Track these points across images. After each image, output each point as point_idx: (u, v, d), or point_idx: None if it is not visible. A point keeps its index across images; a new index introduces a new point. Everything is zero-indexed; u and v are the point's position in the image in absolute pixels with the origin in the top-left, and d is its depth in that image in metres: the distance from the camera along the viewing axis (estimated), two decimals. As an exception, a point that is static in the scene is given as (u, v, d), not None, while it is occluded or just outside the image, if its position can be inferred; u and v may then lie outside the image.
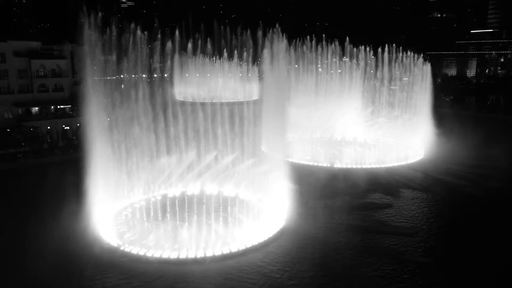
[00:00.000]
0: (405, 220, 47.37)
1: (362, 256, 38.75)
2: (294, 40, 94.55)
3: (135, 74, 52.62)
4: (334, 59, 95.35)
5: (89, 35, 44.76)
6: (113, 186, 45.51)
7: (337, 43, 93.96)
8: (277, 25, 75.47)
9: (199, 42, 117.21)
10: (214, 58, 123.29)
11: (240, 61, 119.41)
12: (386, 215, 48.66)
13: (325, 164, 68.25)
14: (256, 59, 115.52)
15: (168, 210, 43.90)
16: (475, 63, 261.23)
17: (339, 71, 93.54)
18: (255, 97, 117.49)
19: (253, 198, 49.53)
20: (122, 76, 52.44)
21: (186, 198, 49.28)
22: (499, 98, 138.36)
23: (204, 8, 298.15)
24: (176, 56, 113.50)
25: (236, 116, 55.57)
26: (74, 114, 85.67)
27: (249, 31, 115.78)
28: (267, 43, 64.04)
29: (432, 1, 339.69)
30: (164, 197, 49.39)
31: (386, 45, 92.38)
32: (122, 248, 39.07)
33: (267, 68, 56.78)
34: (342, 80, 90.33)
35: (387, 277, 35.29)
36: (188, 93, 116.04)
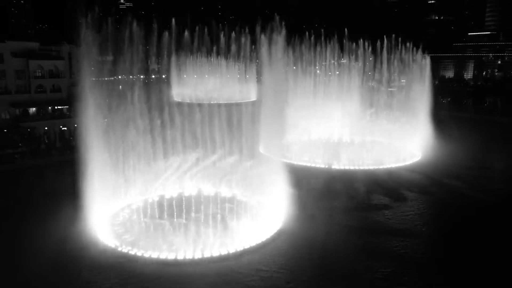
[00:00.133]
0: (404, 222, 47.32)
1: (361, 257, 38.66)
2: (293, 39, 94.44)
3: (132, 75, 52.55)
4: (332, 61, 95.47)
5: (87, 35, 44.66)
6: (110, 187, 45.37)
7: (335, 38, 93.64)
8: (275, 15, 74.27)
9: (198, 42, 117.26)
10: (212, 59, 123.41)
11: (237, 59, 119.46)
12: (385, 217, 48.63)
13: (322, 166, 68.24)
14: (254, 57, 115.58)
15: (166, 211, 43.76)
16: (473, 65, 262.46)
17: (337, 72, 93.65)
18: (253, 98, 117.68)
19: (251, 199, 49.47)
20: (119, 77, 52.40)
21: (183, 199, 49.22)
22: (496, 100, 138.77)
23: (202, 10, 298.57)
24: (174, 57, 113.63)
25: (234, 117, 55.54)
26: (71, 115, 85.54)
27: (247, 30, 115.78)
28: (267, 35, 63.84)
29: (430, 3, 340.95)
30: (162, 198, 49.30)
31: (385, 46, 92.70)
32: (119, 249, 38.92)
33: (266, 55, 56.25)
34: (340, 81, 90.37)
35: (386, 279, 35.21)
36: (185, 94, 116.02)
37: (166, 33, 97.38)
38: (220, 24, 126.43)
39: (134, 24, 54.69)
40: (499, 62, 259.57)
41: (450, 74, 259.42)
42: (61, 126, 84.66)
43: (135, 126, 48.13)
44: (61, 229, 40.49)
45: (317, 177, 61.13)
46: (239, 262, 37.32)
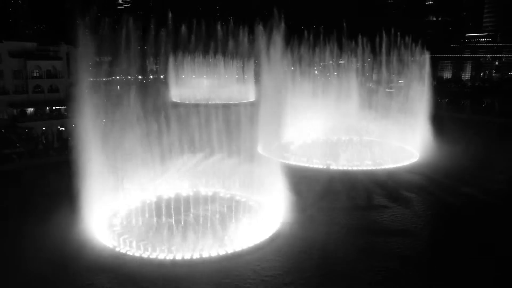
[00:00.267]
0: (404, 222, 47.24)
1: (360, 257, 38.55)
2: (291, 39, 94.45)
3: (130, 75, 52.46)
4: (331, 61, 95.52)
5: (85, 36, 44.51)
6: (108, 187, 45.17)
7: (334, 38, 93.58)
8: (274, 10, 73.76)
9: (197, 42, 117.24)
10: (210, 59, 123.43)
11: (235, 59, 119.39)
12: (384, 217, 48.54)
13: (321, 166, 68.15)
14: (253, 58, 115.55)
15: (164, 211, 43.61)
16: (470, 66, 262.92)
17: (335, 73, 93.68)
18: (252, 98, 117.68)
19: (250, 200, 49.35)
20: (118, 77, 52.32)
21: (182, 199, 49.04)
22: (493, 101, 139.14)
23: (201, 10, 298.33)
24: (172, 57, 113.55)
25: (232, 117, 55.44)
26: (69, 115, 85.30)
27: (246, 30, 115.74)
28: (265, 35, 63.65)
29: (428, 4, 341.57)
30: (160, 198, 49.13)
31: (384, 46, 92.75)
32: (118, 249, 38.77)
33: (264, 55, 56.30)
34: (339, 81, 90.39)
35: (386, 279, 35.12)
36: (183, 95, 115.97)
37: (164, 33, 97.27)
38: (219, 25, 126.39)
39: (132, 25, 54.63)
40: (497, 63, 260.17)
41: (448, 75, 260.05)
42: (59, 127, 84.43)
43: (132, 127, 47.97)
44: (60, 229, 40.30)
45: (316, 178, 61.01)
46: (238, 262, 37.15)
